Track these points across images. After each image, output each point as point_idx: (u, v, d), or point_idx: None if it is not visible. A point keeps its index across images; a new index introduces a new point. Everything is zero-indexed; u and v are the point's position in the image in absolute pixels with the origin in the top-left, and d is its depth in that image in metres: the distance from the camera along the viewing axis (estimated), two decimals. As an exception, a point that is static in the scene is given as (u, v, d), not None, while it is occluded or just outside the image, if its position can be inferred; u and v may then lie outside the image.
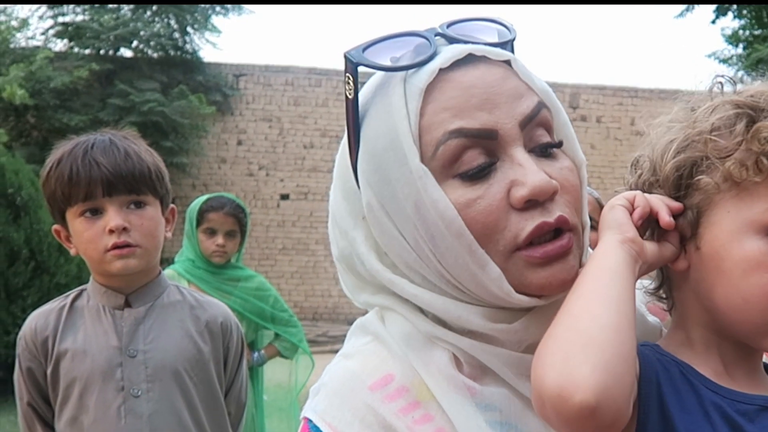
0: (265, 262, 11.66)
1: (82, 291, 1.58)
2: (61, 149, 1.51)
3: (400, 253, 0.73)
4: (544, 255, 0.68)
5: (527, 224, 0.68)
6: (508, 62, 0.73)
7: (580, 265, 0.71)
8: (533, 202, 0.68)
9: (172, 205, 1.61)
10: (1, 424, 5.52)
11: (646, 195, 0.73)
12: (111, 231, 1.46)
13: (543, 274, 0.69)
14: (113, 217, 1.46)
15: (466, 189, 0.69)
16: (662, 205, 0.72)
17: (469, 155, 0.69)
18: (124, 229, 1.46)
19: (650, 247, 0.72)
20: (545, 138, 0.71)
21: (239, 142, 12.27)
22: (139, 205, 1.50)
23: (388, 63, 0.72)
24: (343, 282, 0.81)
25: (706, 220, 0.71)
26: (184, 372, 1.53)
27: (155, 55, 12.09)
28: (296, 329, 3.29)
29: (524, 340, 0.71)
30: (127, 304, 1.54)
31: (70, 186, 1.46)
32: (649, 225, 0.73)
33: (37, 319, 1.54)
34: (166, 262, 3.10)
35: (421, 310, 0.74)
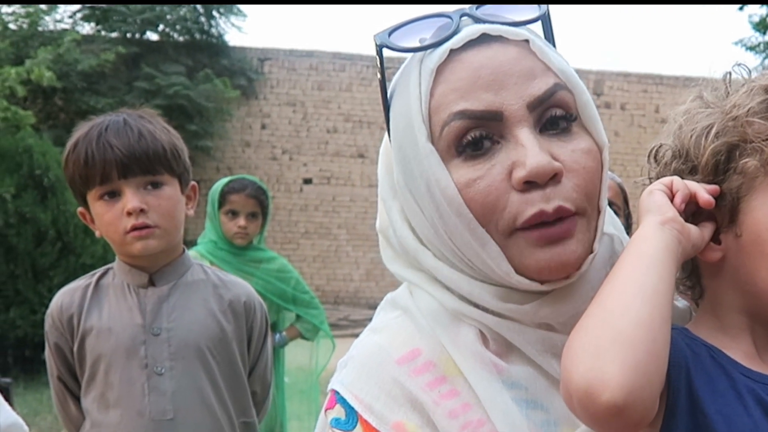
0: (287, 246, 11.72)
1: (108, 269, 1.60)
2: (78, 132, 1.51)
3: (421, 228, 0.74)
4: (540, 237, 0.68)
5: (527, 209, 0.68)
6: (527, 42, 0.71)
7: (592, 251, 0.71)
8: (533, 184, 0.68)
9: (192, 183, 1.61)
10: (27, 402, 5.64)
11: (683, 180, 0.72)
12: (129, 213, 1.46)
13: (542, 257, 0.69)
14: (130, 199, 1.46)
15: (469, 169, 0.69)
16: (699, 186, 0.71)
17: (473, 136, 0.69)
18: (142, 210, 1.46)
19: (693, 228, 0.71)
20: (559, 114, 0.70)
21: (263, 126, 12.31)
22: (157, 185, 1.49)
23: (412, 44, 0.73)
24: (382, 253, 0.82)
25: (747, 206, 0.70)
26: (206, 350, 1.54)
27: (181, 38, 12.14)
28: (317, 311, 3.30)
29: (537, 322, 0.71)
30: (152, 283, 1.56)
31: (87, 170, 1.46)
32: (686, 211, 0.72)
33: (63, 297, 1.56)
34: (190, 244, 3.13)
35: (448, 288, 0.74)
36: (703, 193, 0.71)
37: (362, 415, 0.71)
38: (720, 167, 0.72)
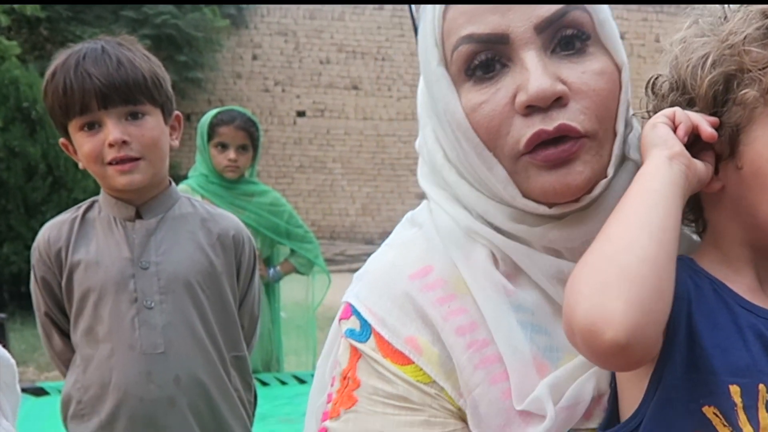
0: (282, 180, 11.67)
1: (93, 202, 1.57)
2: (56, 61, 1.46)
3: (447, 147, 0.76)
4: (543, 159, 0.68)
5: (527, 131, 0.68)
6: None
7: (605, 175, 0.70)
8: (536, 108, 0.67)
9: (177, 112, 1.57)
10: (24, 338, 5.69)
11: (684, 111, 0.70)
12: (111, 145, 1.43)
13: (547, 179, 0.69)
14: (112, 130, 1.42)
15: (476, 93, 0.70)
16: (701, 119, 0.69)
17: (480, 60, 0.70)
18: (124, 142, 1.43)
19: (699, 163, 0.69)
20: (571, 33, 0.69)
21: (254, 57, 12.06)
22: (138, 115, 1.45)
23: None
24: (418, 171, 0.83)
25: (746, 137, 0.68)
26: (196, 284, 1.53)
27: (168, -35, 11.75)
28: (312, 245, 3.29)
29: (547, 245, 0.72)
30: (138, 216, 1.53)
31: (66, 99, 1.42)
32: (686, 143, 0.70)
33: (50, 231, 1.54)
34: (182, 178, 3.08)
35: (465, 207, 0.76)
36: (706, 125, 0.69)
37: (375, 329, 0.74)
38: (718, 98, 0.70)
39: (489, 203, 0.74)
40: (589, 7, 0.69)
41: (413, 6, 0.77)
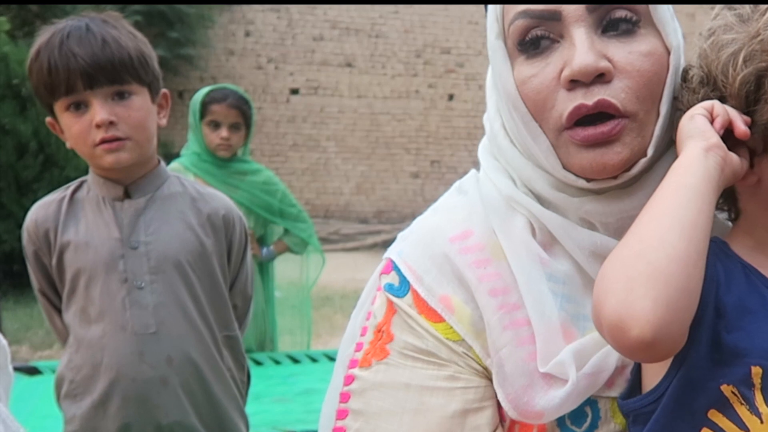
0: (275, 159, 11.62)
1: (82, 182, 1.56)
2: (39, 40, 1.44)
3: (503, 115, 0.80)
4: (583, 138, 0.71)
5: (569, 104, 0.71)
6: None
7: (645, 154, 0.73)
8: (579, 83, 0.70)
9: (164, 90, 1.54)
10: (18, 317, 5.68)
11: (723, 105, 0.70)
12: (98, 126, 1.41)
13: (585, 156, 0.72)
14: (98, 111, 1.40)
15: (528, 66, 0.74)
16: (737, 115, 0.70)
17: (533, 35, 0.73)
18: (111, 122, 1.41)
19: (734, 156, 0.70)
20: (622, 15, 0.71)
21: (247, 33, 11.94)
22: (125, 95, 1.43)
23: None
24: (482, 141, 0.87)
25: None
26: (186, 264, 1.52)
27: (159, -60, 11.58)
28: (306, 225, 3.28)
29: (583, 217, 0.75)
30: (127, 196, 1.52)
31: (51, 79, 1.40)
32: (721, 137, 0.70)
33: (38, 212, 1.53)
34: (175, 156, 3.05)
35: (511, 177, 0.79)
36: (740, 123, 0.69)
37: (413, 285, 0.78)
38: (750, 96, 0.70)
39: (534, 170, 0.77)
40: None
41: None
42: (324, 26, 11.97)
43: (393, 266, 0.81)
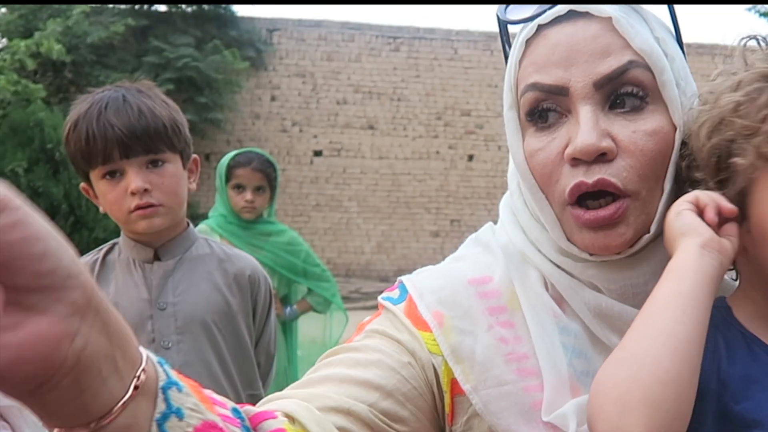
0: (298, 219, 11.74)
1: (114, 245, 1.61)
2: (77, 109, 1.49)
3: (518, 178, 0.81)
4: (584, 222, 0.72)
5: (571, 180, 0.72)
6: (611, 19, 0.73)
7: (648, 231, 0.72)
8: (581, 161, 0.71)
9: (194, 156, 1.60)
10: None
11: (705, 192, 0.71)
12: (133, 193, 1.46)
13: (587, 236, 0.73)
14: (133, 179, 1.45)
15: (536, 139, 0.75)
16: (717, 195, 0.70)
17: (542, 108, 0.74)
18: (146, 190, 1.46)
19: (726, 242, 0.70)
20: (629, 91, 0.72)
21: (273, 98, 12.25)
22: (159, 163, 1.49)
23: (522, 17, 0.78)
24: (505, 195, 0.89)
25: (751, 200, 0.69)
26: (212, 324, 1.55)
27: (189, 9, 12.05)
28: (329, 284, 3.29)
29: (587, 280, 0.75)
30: (157, 258, 1.56)
31: (88, 149, 1.45)
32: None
33: None
34: (202, 217, 3.13)
35: (524, 232, 0.81)
36: (725, 202, 0.70)
37: (412, 295, 0.78)
38: (721, 166, 0.70)
39: (542, 233, 0.78)
40: (653, 67, 0.72)
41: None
42: (347, 90, 12.25)
43: (399, 285, 0.81)
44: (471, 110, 12.30)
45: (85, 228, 6.99)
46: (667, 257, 0.71)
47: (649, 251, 0.74)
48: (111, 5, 11.78)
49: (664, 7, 0.80)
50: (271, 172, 3.01)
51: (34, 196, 7.03)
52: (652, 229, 0.73)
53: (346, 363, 0.74)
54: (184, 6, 12.03)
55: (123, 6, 11.75)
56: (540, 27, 0.75)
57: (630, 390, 0.61)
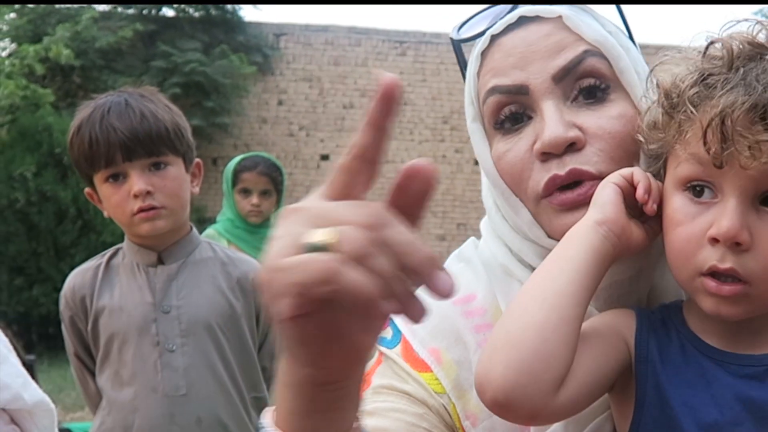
0: (305, 222, 11.76)
1: (118, 249, 1.62)
2: (80, 114, 1.52)
3: (492, 192, 0.81)
4: (560, 203, 0.73)
5: (545, 175, 0.72)
6: (561, 17, 0.75)
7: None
8: (551, 155, 0.72)
9: (197, 160, 1.61)
10: (51, 378, 5.75)
11: (646, 173, 0.71)
12: (135, 195, 1.47)
13: (565, 221, 0.73)
14: (136, 181, 1.46)
15: (503, 143, 0.75)
16: (653, 179, 0.70)
17: (507, 112, 0.75)
18: (148, 192, 1.47)
19: (636, 230, 0.70)
20: (590, 83, 0.73)
21: (280, 102, 12.30)
22: (161, 166, 1.50)
23: (474, 33, 0.80)
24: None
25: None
26: (216, 327, 1.56)
27: (197, 14, 12.11)
28: (334, 288, 3.30)
29: None
30: (161, 261, 1.57)
31: (91, 152, 1.47)
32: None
33: (75, 278, 1.59)
34: (209, 221, 3.14)
35: (506, 245, 0.80)
36: (642, 192, 0.69)
37: (406, 336, 0.78)
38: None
39: (523, 243, 0.78)
40: (608, 55, 0.73)
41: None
42: (354, 94, 12.28)
43: (389, 322, 0.78)
44: (478, 114, 12.31)
45: (93, 232, 7.01)
46: (655, 250, 0.72)
47: None
48: (119, 10, 11.85)
49: (614, 10, 0.81)
50: (277, 176, 3.02)
51: (43, 200, 7.07)
52: None
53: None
54: (191, 11, 12.09)
55: (131, 11, 11.82)
56: (493, 38, 0.77)
57: (497, 335, 0.66)
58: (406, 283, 0.47)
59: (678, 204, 0.68)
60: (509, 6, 0.77)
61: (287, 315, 0.46)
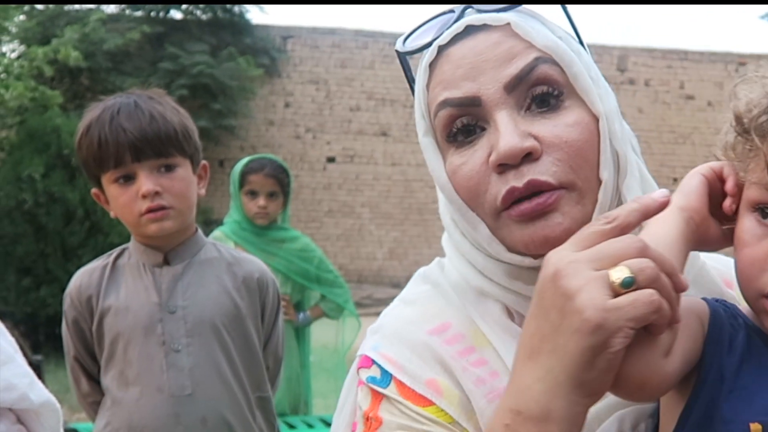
0: (311, 225, 11.78)
1: (124, 249, 1.63)
2: (89, 115, 1.52)
3: (448, 209, 0.79)
4: (519, 214, 0.70)
5: (502, 187, 0.70)
6: (509, 25, 0.73)
7: (590, 220, 0.69)
8: (508, 166, 0.70)
9: (203, 162, 1.62)
10: (58, 379, 5.76)
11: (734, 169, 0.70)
12: (144, 196, 1.48)
13: (525, 232, 0.71)
14: (144, 182, 1.47)
15: (457, 156, 0.73)
16: (735, 185, 0.70)
17: (459, 125, 0.72)
18: (156, 193, 1.48)
19: (713, 226, 0.70)
20: (543, 91, 0.71)
21: (286, 105, 12.32)
22: (169, 167, 1.51)
23: (422, 44, 0.77)
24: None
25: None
26: (222, 327, 1.57)
27: (204, 17, 12.16)
28: (342, 290, 3.30)
29: None
30: (166, 262, 1.58)
31: (100, 153, 1.48)
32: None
33: (82, 278, 1.60)
34: (217, 223, 3.15)
35: (472, 264, 0.77)
36: (731, 185, 0.69)
37: (396, 376, 0.74)
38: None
39: (487, 260, 0.75)
40: (561, 61, 0.72)
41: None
42: (360, 97, 12.30)
43: (372, 361, 0.77)
44: (484, 117, 12.31)
45: (101, 233, 7.03)
46: None
47: None
48: (127, 12, 11.90)
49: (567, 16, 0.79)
50: (283, 178, 3.03)
51: (51, 201, 7.10)
52: (594, 220, 0.70)
53: None
54: (199, 14, 12.14)
55: (139, 13, 11.87)
56: (440, 48, 0.74)
57: None
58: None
59: (747, 225, 0.68)
60: (455, 15, 0.75)
61: (621, 347, 0.55)
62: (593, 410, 0.69)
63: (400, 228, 12.05)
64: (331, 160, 12.25)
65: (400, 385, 0.74)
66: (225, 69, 11.04)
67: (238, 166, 3.02)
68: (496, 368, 0.73)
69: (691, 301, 0.70)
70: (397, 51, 0.79)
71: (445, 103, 0.72)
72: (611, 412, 0.72)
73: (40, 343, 6.83)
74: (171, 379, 1.51)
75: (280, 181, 3.00)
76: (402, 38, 0.79)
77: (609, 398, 0.70)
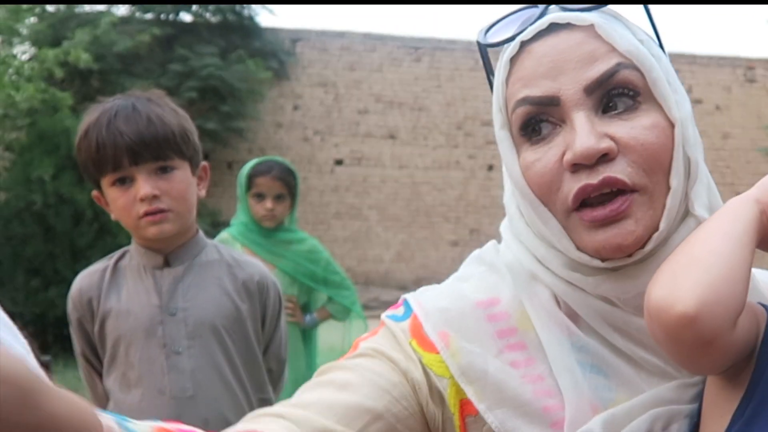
0: (319, 227, 11.79)
1: (125, 252, 1.63)
2: (88, 118, 1.52)
3: (516, 198, 0.80)
4: (592, 219, 0.71)
5: (574, 186, 0.71)
6: (593, 26, 0.73)
7: (657, 229, 0.71)
8: (582, 166, 0.70)
9: (203, 163, 1.62)
10: (66, 379, 5.79)
11: None
12: (142, 199, 1.48)
13: (596, 238, 0.71)
14: (143, 185, 1.47)
15: (531, 152, 0.74)
16: None
17: (534, 122, 0.73)
18: (155, 196, 1.48)
19: None
20: (621, 92, 0.72)
21: (295, 107, 12.35)
22: (168, 170, 1.50)
23: (503, 38, 0.78)
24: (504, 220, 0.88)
25: None
26: (222, 329, 1.57)
27: (214, 19, 12.20)
28: (349, 292, 3.30)
29: (600, 294, 0.74)
30: (167, 264, 1.58)
31: (98, 156, 1.48)
32: None
33: (83, 281, 1.60)
34: (224, 225, 3.16)
35: (529, 250, 0.78)
36: None
37: (417, 314, 0.77)
38: None
39: (548, 251, 0.76)
40: (642, 66, 0.72)
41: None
42: (369, 100, 12.31)
43: (404, 302, 0.80)
44: (491, 120, 12.19)
45: (109, 234, 7.07)
46: None
47: (659, 253, 0.72)
48: (138, 15, 11.96)
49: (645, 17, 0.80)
50: (291, 180, 3.02)
51: (60, 202, 7.15)
52: (662, 225, 0.71)
53: (337, 384, 0.73)
54: (208, 16, 12.19)
55: (149, 16, 11.93)
56: (523, 44, 0.75)
57: (681, 260, 0.65)
58: None
59: None
60: (539, 11, 0.75)
61: None
62: (625, 406, 0.71)
63: (407, 231, 12.04)
64: (339, 162, 12.26)
65: (415, 322, 0.76)
66: (234, 71, 11.07)
67: (245, 169, 3.03)
68: (533, 354, 0.74)
69: (749, 302, 0.69)
70: (478, 43, 0.79)
71: (524, 101, 0.73)
72: (645, 410, 0.71)
73: (49, 343, 6.87)
74: (172, 382, 1.52)
75: (287, 184, 2.99)
76: (483, 30, 0.79)
77: (644, 395, 0.71)
